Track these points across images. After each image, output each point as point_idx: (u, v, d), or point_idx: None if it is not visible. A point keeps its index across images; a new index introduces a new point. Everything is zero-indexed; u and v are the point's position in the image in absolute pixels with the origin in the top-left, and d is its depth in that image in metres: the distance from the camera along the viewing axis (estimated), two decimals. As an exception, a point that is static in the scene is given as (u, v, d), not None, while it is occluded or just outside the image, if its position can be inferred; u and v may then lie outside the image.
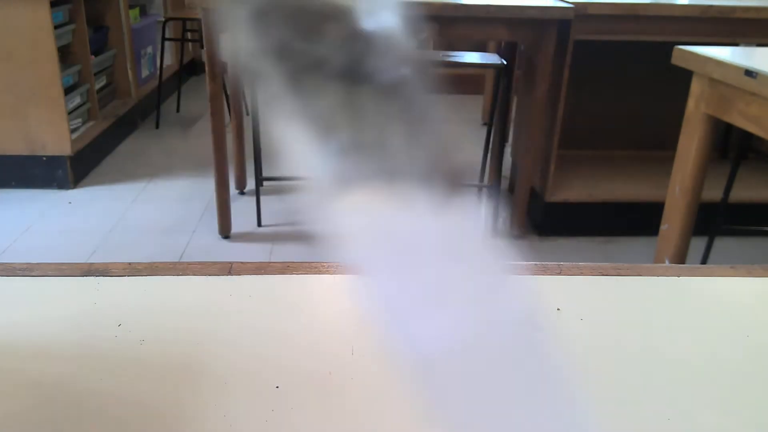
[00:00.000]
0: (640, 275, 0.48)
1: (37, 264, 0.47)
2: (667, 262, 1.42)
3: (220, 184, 2.21)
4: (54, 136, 2.49)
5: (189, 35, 3.70)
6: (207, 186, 2.65)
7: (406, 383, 0.36)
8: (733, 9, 2.09)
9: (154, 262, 0.47)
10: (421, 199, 0.19)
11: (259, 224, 2.37)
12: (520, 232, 2.36)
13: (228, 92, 2.90)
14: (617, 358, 0.39)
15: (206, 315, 0.42)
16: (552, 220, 2.37)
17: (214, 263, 0.47)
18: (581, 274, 0.48)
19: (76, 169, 2.59)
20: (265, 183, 2.62)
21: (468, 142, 3.21)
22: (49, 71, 2.41)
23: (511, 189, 2.68)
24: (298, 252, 2.20)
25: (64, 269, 0.47)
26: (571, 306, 0.44)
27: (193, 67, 4.46)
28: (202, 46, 2.52)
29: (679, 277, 0.48)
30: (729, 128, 2.62)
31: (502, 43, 2.87)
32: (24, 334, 0.39)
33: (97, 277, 0.45)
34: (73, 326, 0.40)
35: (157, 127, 3.40)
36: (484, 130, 3.15)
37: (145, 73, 3.56)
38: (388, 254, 0.20)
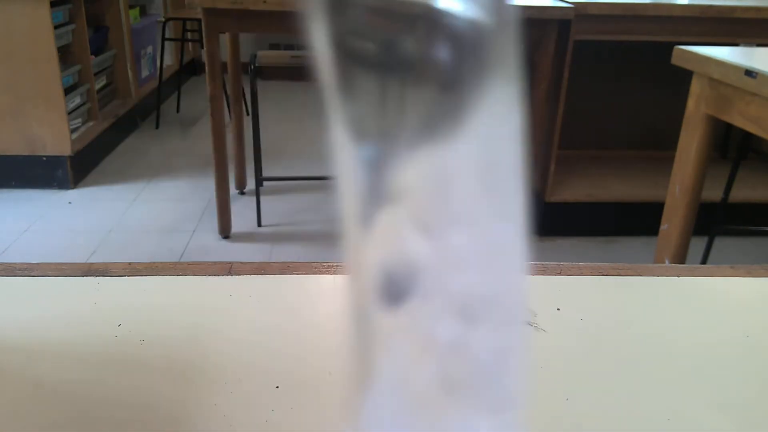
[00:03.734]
0: (640, 275, 0.48)
1: (37, 264, 0.47)
2: (667, 262, 1.42)
3: (220, 184, 2.21)
4: (54, 136, 2.49)
5: (189, 35, 3.70)
6: (207, 186, 2.65)
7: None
8: (733, 9, 2.09)
9: (154, 262, 0.47)
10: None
11: (259, 224, 2.37)
12: (520, 232, 2.36)
13: (228, 92, 2.90)
14: (617, 358, 0.39)
15: (206, 315, 0.42)
16: (552, 220, 2.37)
17: (214, 263, 0.47)
18: (581, 274, 0.48)
19: (76, 169, 2.59)
20: (265, 183, 2.62)
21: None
22: (49, 71, 2.41)
23: (511, 189, 2.68)
24: (298, 252, 2.20)
25: (64, 269, 0.47)
26: (571, 306, 0.44)
27: (193, 67, 4.46)
28: (202, 46, 2.52)
29: (679, 277, 0.48)
30: (729, 128, 2.62)
31: (502, 43, 2.87)
32: (24, 334, 0.39)
33: (97, 277, 0.45)
34: (73, 326, 0.40)
35: (157, 127, 3.41)
36: (484, 130, 3.14)
37: (145, 73, 3.56)
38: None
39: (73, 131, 2.58)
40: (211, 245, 2.22)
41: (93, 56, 2.87)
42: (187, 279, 0.46)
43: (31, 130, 2.47)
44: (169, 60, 3.96)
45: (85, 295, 0.43)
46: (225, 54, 2.48)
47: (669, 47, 1.41)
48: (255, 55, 2.25)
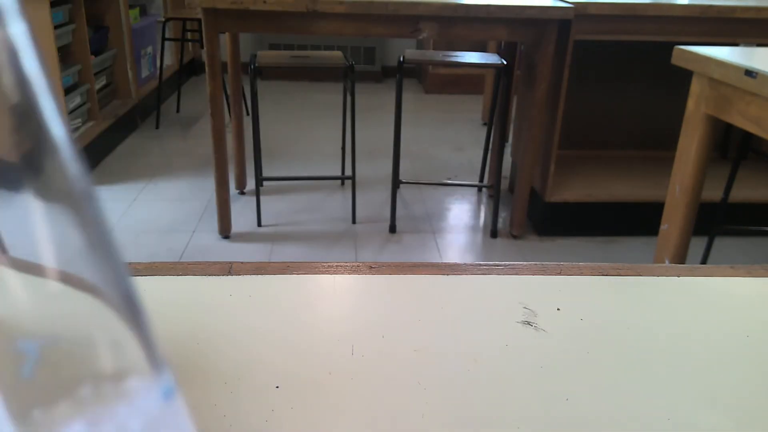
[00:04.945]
0: (640, 275, 0.48)
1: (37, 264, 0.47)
2: (667, 261, 1.42)
3: (220, 184, 2.21)
4: (54, 136, 2.49)
5: (189, 35, 3.70)
6: (207, 186, 2.65)
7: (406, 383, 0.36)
8: (733, 9, 2.09)
9: (154, 262, 0.47)
10: None
11: (259, 224, 2.37)
12: (520, 232, 2.36)
13: (228, 92, 2.89)
14: (617, 358, 0.39)
15: (206, 315, 0.42)
16: (552, 220, 2.37)
17: (214, 263, 0.47)
18: (581, 274, 0.48)
19: (76, 169, 2.59)
20: (265, 183, 2.62)
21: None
22: (49, 71, 2.41)
23: (511, 189, 2.68)
24: (298, 252, 2.20)
25: (64, 269, 0.46)
26: (571, 306, 0.44)
27: (193, 67, 4.46)
28: (202, 46, 2.52)
29: (679, 277, 0.48)
30: (729, 128, 2.62)
31: (502, 43, 2.88)
32: (24, 334, 0.39)
33: (97, 277, 0.45)
34: (73, 326, 0.40)
35: (157, 127, 3.41)
36: (484, 130, 3.15)
37: (145, 73, 3.56)
38: None
39: (73, 131, 2.57)
40: (211, 245, 2.22)
41: (93, 56, 2.87)
42: (187, 279, 0.45)
43: (31, 130, 2.47)
44: (169, 60, 3.95)
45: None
46: (225, 54, 2.48)
47: (669, 47, 1.41)
48: (255, 55, 2.25)
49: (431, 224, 2.44)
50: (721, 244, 2.20)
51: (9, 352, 0.13)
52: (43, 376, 0.14)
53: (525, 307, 0.43)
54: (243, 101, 2.93)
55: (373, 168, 2.90)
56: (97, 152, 2.83)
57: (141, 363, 0.15)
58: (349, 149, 2.44)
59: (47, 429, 0.14)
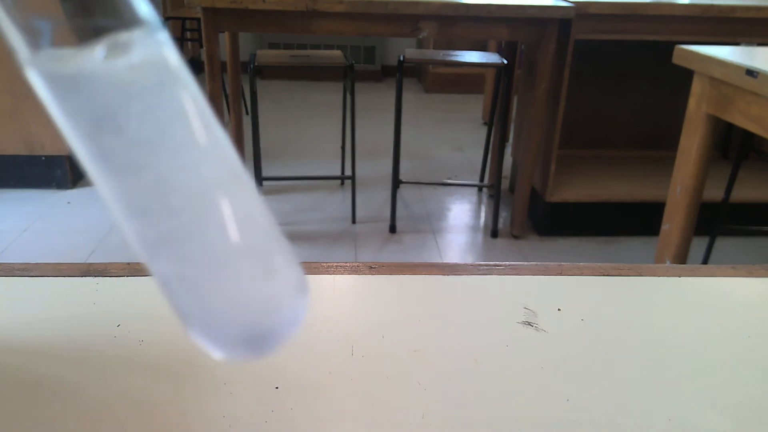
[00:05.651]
0: (641, 275, 0.48)
1: (36, 264, 0.47)
2: (668, 262, 1.42)
3: (220, 184, 2.21)
4: (53, 136, 2.49)
5: (188, 35, 3.69)
6: (207, 186, 2.64)
7: (406, 383, 0.36)
8: (734, 8, 2.09)
9: (154, 262, 0.47)
10: None
11: (259, 224, 2.36)
12: (521, 232, 2.36)
13: (227, 92, 2.89)
14: (617, 358, 0.38)
15: (206, 315, 0.41)
16: (552, 220, 2.37)
17: (214, 263, 0.47)
18: (582, 274, 0.48)
19: (75, 169, 2.59)
20: (264, 183, 2.62)
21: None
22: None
23: (511, 189, 2.68)
24: (298, 252, 2.20)
25: (63, 269, 0.46)
26: (572, 306, 0.43)
27: (193, 66, 4.46)
28: (201, 46, 2.52)
29: (680, 277, 0.48)
30: (730, 128, 2.61)
31: (503, 43, 2.87)
32: (23, 334, 0.39)
33: (96, 277, 0.45)
34: (73, 326, 0.40)
35: (157, 126, 3.40)
36: (484, 130, 3.15)
37: (145, 72, 3.55)
38: None
39: (73, 131, 2.58)
40: (211, 245, 2.22)
41: (93, 56, 2.87)
42: (187, 279, 0.45)
43: (30, 130, 2.47)
44: (169, 60, 3.95)
45: (84, 296, 0.43)
46: (224, 53, 2.48)
47: (670, 47, 1.41)
48: (254, 55, 2.25)
49: (431, 224, 2.44)
50: (723, 244, 2.20)
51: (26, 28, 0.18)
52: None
53: (525, 308, 0.43)
54: (242, 101, 2.93)
55: (373, 168, 2.90)
56: (97, 152, 2.83)
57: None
58: (349, 149, 2.44)
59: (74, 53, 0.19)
